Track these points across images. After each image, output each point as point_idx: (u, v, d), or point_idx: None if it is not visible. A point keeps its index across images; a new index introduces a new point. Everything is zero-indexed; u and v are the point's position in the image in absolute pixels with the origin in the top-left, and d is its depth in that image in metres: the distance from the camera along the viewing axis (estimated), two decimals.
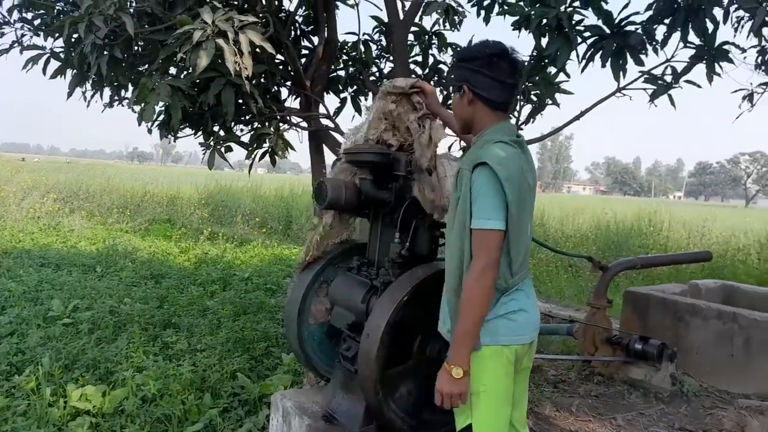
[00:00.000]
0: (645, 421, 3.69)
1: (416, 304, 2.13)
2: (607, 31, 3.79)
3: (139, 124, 3.19)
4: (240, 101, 3.39)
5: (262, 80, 3.62)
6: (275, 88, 3.70)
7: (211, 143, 3.43)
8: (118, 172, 23.25)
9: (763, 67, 3.78)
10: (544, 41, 3.71)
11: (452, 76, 1.95)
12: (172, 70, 3.64)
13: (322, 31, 4.15)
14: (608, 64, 3.81)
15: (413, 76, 4.36)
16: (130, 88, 3.53)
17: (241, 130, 3.94)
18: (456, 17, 3.84)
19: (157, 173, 30.94)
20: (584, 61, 3.89)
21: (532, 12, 3.56)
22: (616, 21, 3.81)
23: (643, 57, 3.83)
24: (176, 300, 5.75)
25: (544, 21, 3.60)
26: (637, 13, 3.83)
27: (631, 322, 4.85)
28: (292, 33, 4.11)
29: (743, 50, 3.70)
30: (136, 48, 3.49)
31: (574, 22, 3.53)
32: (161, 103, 3.12)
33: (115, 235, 10.18)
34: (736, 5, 3.67)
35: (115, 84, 3.67)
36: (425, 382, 2.26)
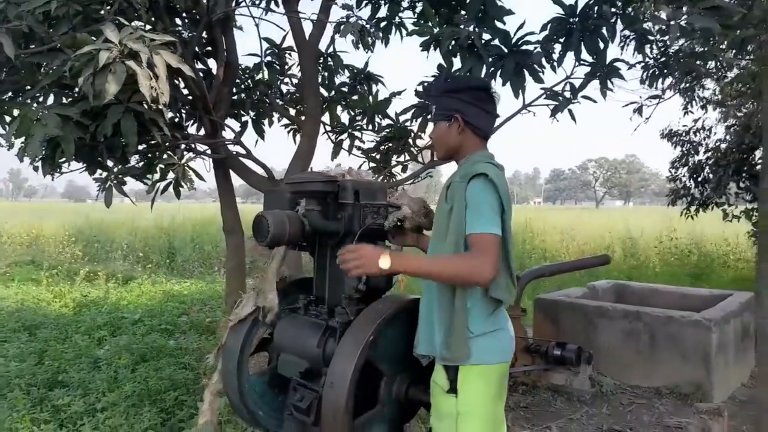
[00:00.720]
0: (576, 426, 3.79)
1: (381, 344, 1.97)
2: (505, 50, 3.90)
3: (21, 161, 2.74)
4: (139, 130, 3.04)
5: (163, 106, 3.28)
6: (178, 114, 3.38)
7: (110, 178, 3.03)
8: None
9: (647, 81, 4.08)
10: (455, 61, 3.72)
11: (439, 106, 2.01)
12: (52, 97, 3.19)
13: (221, 53, 3.88)
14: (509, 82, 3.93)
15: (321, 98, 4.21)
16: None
17: (138, 162, 3.55)
18: (369, 38, 3.75)
19: (9, 210, 27.74)
20: (486, 80, 3.97)
21: (442, 33, 3.56)
22: (513, 40, 3.93)
23: (542, 75, 3.99)
24: (59, 353, 5.06)
25: (452, 42, 3.61)
26: (533, 33, 3.98)
27: (544, 329, 5.01)
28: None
29: (631, 66, 3.96)
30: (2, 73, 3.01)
31: (483, 41, 3.57)
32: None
33: None
34: (622, 26, 3.94)
35: None
36: (394, 426, 2.10)
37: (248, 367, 2.36)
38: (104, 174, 3.16)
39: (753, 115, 8.50)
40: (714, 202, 8.22)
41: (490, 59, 3.61)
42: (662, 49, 3.90)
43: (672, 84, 9.30)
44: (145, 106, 2.74)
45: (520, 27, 3.98)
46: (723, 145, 7.64)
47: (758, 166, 6.61)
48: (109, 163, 3.18)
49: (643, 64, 4.07)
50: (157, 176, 3.36)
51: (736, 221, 7.19)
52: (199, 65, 4.11)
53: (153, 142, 3.23)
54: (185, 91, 3.48)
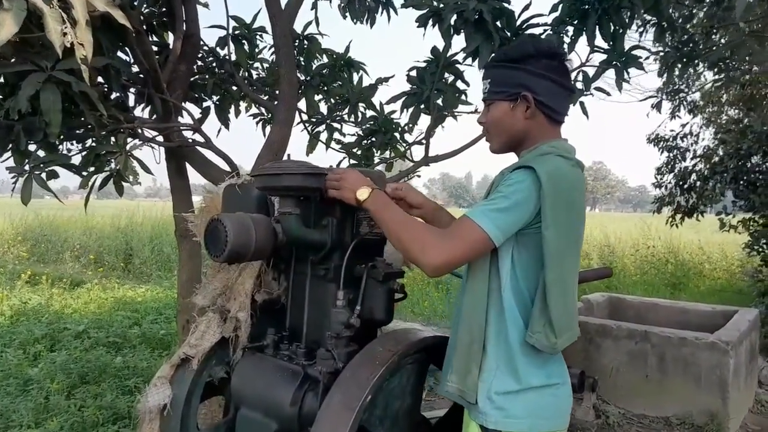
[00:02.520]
0: None
1: (381, 403, 1.41)
2: (508, 33, 3.38)
3: None
4: (70, 107, 2.41)
5: (101, 81, 2.65)
6: (121, 91, 2.75)
7: (26, 168, 2.39)
8: None
9: (665, 74, 3.62)
10: (456, 40, 3.18)
11: (496, 80, 1.51)
12: None
13: (179, 22, 3.25)
14: None
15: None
16: None
17: (69, 150, 2.89)
18: (357, 3, 3.18)
19: None
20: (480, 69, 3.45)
21: (444, 5, 3.02)
22: (518, 23, 3.42)
23: None
24: None
25: (454, 17, 3.07)
26: (541, 14, 3.47)
27: None
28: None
29: (651, 54, 3.49)
30: None
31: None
32: None
33: None
34: (643, 9, 3.46)
35: None
36: None
37: (197, 420, 1.77)
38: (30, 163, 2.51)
39: (740, 122, 8.26)
40: (700, 210, 7.92)
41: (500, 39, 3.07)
42: (683, 38, 3.44)
43: (661, 87, 9.03)
44: (83, 67, 2.11)
45: (526, 8, 3.45)
46: (719, 151, 7.31)
47: (755, 173, 6.27)
48: (32, 148, 2.54)
49: (662, 53, 3.60)
50: (93, 168, 2.71)
51: (732, 231, 6.83)
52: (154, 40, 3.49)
53: (89, 125, 2.59)
54: (135, 69, 2.85)
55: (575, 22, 3.44)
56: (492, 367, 1.37)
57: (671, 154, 8.77)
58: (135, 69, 3.11)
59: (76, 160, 2.86)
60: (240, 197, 1.72)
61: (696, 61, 3.57)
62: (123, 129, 2.68)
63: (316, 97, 3.97)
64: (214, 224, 1.51)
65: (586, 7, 3.40)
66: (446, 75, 3.59)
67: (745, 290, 9.21)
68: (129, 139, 2.81)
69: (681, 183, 8.21)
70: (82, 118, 2.49)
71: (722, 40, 3.49)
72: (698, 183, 7.81)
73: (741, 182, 6.40)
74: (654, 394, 4.05)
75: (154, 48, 3.36)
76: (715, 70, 4.52)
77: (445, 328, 6.87)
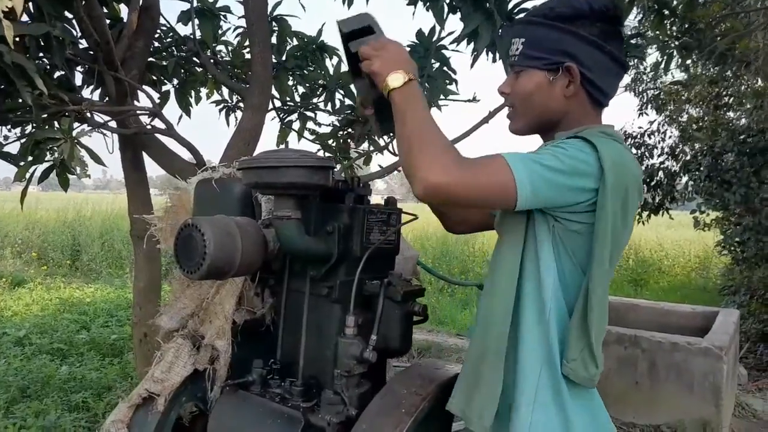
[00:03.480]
0: None
1: None
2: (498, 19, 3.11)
3: None
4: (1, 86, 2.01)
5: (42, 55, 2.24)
6: (65, 67, 2.34)
7: None
8: None
9: (662, 66, 3.41)
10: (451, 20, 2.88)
11: (535, 42, 1.16)
12: None
13: None
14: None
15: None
16: None
17: (6, 138, 2.46)
18: None
19: None
20: (475, 54, 3.16)
21: None
22: (510, 7, 3.15)
23: None
24: None
25: None
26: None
27: None
28: None
29: (650, 43, 3.28)
30: None
31: None
32: None
33: None
34: None
35: None
36: None
37: None
38: None
39: (701, 120, 8.28)
40: (665, 208, 7.92)
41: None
42: (686, 26, 3.24)
43: (629, 84, 8.99)
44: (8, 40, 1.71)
45: None
46: (687, 149, 7.28)
47: (730, 172, 6.22)
48: None
49: (661, 44, 3.39)
50: (31, 157, 2.29)
51: (706, 230, 6.80)
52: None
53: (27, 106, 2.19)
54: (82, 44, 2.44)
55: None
56: (529, 399, 1.08)
57: (639, 152, 8.73)
58: (84, 45, 2.71)
59: (15, 147, 2.45)
60: (218, 195, 1.38)
61: (697, 53, 3.39)
62: (68, 112, 2.28)
63: (290, 82, 3.61)
64: (187, 231, 1.16)
65: None
66: (433, 61, 3.30)
67: (709, 288, 9.32)
68: (76, 124, 2.39)
69: (648, 180, 8.18)
70: (19, 99, 2.08)
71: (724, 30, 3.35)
72: (665, 181, 7.79)
73: (714, 180, 6.35)
74: (644, 401, 3.87)
75: (107, 21, 2.95)
76: (713, 62, 4.41)
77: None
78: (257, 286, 1.45)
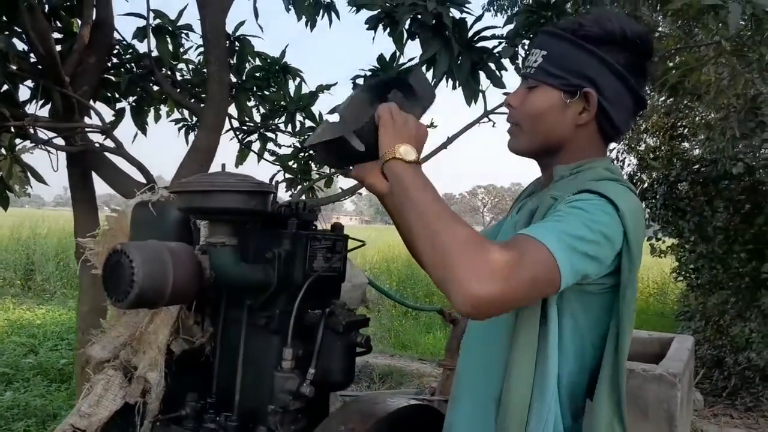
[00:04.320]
0: None
1: None
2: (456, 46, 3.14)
3: None
4: None
5: None
6: (9, 80, 2.25)
7: None
8: None
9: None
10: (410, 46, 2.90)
11: (554, 59, 1.05)
12: None
13: (88, 8, 2.78)
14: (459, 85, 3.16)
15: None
16: None
17: None
18: None
19: None
20: (434, 81, 3.19)
21: (397, 6, 2.72)
22: (470, 35, 3.18)
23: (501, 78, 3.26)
24: None
25: (409, 20, 2.78)
26: (495, 26, 3.26)
27: None
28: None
29: None
30: None
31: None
32: None
33: None
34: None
35: None
36: None
37: None
38: None
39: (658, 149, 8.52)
40: None
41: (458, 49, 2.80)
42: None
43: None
44: None
45: (479, 18, 3.21)
46: (644, 176, 7.46)
47: (684, 200, 6.39)
48: None
49: None
50: None
51: (663, 256, 6.94)
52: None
53: None
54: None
55: (531, 36, 3.25)
56: None
57: None
58: (33, 59, 2.62)
59: None
60: (154, 219, 1.32)
61: (649, 85, 3.47)
62: (9, 127, 2.18)
63: (249, 103, 3.57)
64: (116, 257, 1.10)
65: (543, 21, 3.21)
66: None
67: (666, 313, 9.50)
68: (18, 141, 2.30)
69: None
70: None
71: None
72: None
73: (669, 208, 6.51)
74: None
75: (58, 35, 2.87)
76: (667, 94, 4.53)
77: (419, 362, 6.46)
78: (196, 315, 1.39)
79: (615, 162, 8.75)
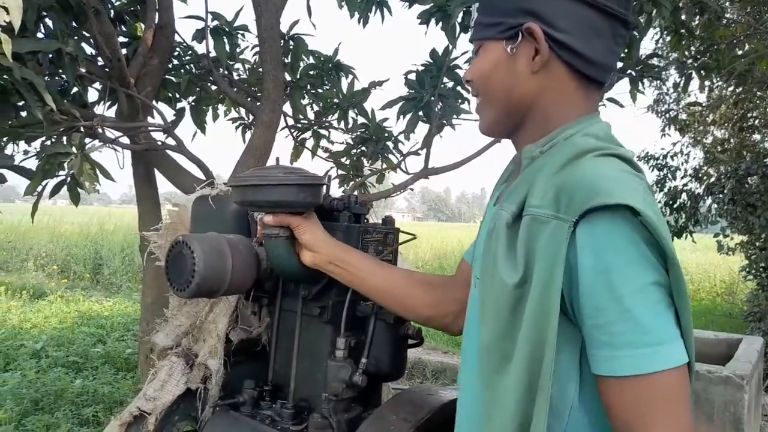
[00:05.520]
0: None
1: None
2: None
3: None
4: (8, 98, 2.03)
5: (50, 72, 2.28)
6: (78, 83, 2.38)
7: None
8: None
9: (681, 86, 3.35)
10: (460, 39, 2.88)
11: (489, 5, 0.88)
12: None
13: (152, 12, 2.89)
14: None
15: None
16: None
17: (26, 152, 2.51)
18: None
19: None
20: None
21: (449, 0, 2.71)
22: None
23: None
24: None
25: (461, 14, 2.76)
26: None
27: None
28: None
29: (666, 65, 3.22)
30: None
31: None
32: None
33: None
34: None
35: None
36: None
37: None
38: None
39: (726, 141, 8.13)
40: (689, 231, 7.75)
41: None
42: (703, 47, 3.18)
43: (651, 105, 8.88)
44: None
45: None
46: (711, 170, 7.14)
47: (755, 195, 6.07)
48: None
49: (680, 64, 3.33)
50: (42, 172, 2.32)
51: (730, 254, 6.63)
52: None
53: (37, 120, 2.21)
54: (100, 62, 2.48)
55: None
56: None
57: (661, 173, 8.59)
58: (100, 62, 2.75)
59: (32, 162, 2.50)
60: (214, 212, 1.37)
61: (716, 73, 3.31)
62: (79, 127, 2.31)
63: (303, 101, 3.63)
64: (177, 248, 1.15)
65: None
66: (446, 80, 3.29)
67: (735, 313, 9.06)
68: (87, 140, 2.43)
69: (671, 202, 8.03)
70: (26, 112, 2.11)
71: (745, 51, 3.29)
72: (689, 203, 7.64)
73: (739, 204, 6.20)
74: None
75: (123, 39, 3.00)
76: (735, 83, 4.33)
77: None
78: (253, 305, 1.43)
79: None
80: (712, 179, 6.73)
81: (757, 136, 7.63)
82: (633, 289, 0.68)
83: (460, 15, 2.73)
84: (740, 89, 6.12)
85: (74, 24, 2.32)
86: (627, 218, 0.69)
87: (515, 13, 0.83)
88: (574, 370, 0.75)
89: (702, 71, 3.30)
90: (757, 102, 7.06)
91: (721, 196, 6.37)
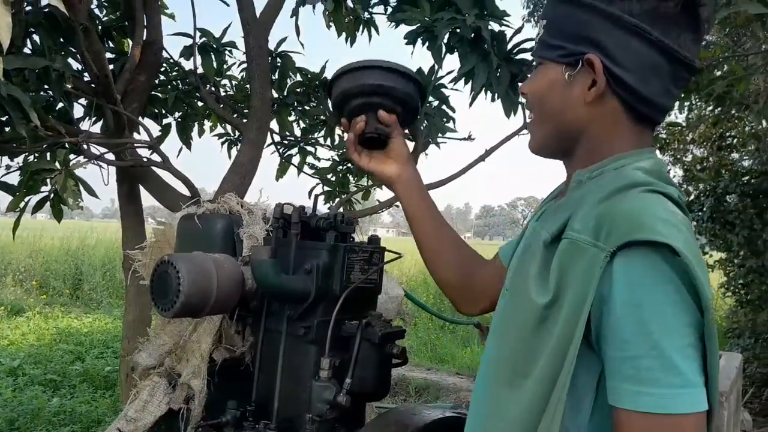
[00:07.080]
0: None
1: None
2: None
3: None
4: None
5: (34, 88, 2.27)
6: (65, 98, 2.37)
7: None
8: None
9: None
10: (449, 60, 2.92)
11: (555, 27, 0.87)
12: None
13: (140, 29, 2.90)
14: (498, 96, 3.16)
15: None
16: None
17: (8, 167, 2.49)
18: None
19: None
20: (473, 93, 3.19)
21: (436, 20, 2.75)
22: (509, 47, 3.18)
23: None
24: None
25: (448, 34, 2.81)
26: (531, 39, 3.25)
27: None
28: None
29: None
30: None
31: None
32: None
33: None
34: None
35: None
36: None
37: None
38: None
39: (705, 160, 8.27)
40: None
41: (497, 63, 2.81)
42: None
43: None
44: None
45: (518, 31, 3.22)
46: (691, 188, 7.26)
47: (733, 213, 6.18)
48: None
49: None
50: (24, 188, 2.31)
51: (709, 271, 6.72)
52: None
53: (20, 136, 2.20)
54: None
55: None
56: None
57: None
58: (87, 78, 2.75)
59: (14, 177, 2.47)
60: (199, 231, 1.37)
61: (696, 94, 3.39)
62: (64, 143, 2.30)
63: (290, 118, 3.65)
64: (163, 268, 1.15)
65: None
66: (431, 99, 3.33)
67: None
68: (72, 156, 2.41)
69: None
70: (9, 128, 2.10)
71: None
72: None
73: (717, 221, 6.31)
74: None
75: (111, 55, 3.00)
76: (713, 104, 4.43)
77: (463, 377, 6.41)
78: (237, 324, 1.43)
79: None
80: (692, 197, 6.83)
81: (735, 155, 7.78)
82: (665, 327, 0.68)
83: (446, 36, 2.77)
84: (719, 110, 6.25)
85: (61, 40, 2.32)
86: (666, 257, 0.69)
87: (578, 40, 0.83)
88: (588, 398, 0.75)
89: (681, 93, 3.35)
90: (735, 122, 7.21)
91: (700, 213, 6.47)
